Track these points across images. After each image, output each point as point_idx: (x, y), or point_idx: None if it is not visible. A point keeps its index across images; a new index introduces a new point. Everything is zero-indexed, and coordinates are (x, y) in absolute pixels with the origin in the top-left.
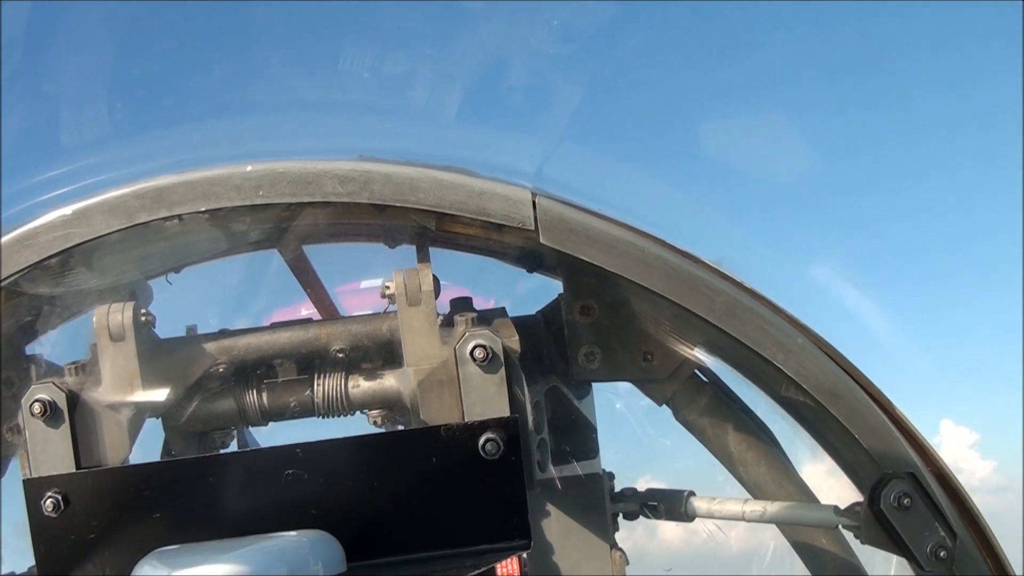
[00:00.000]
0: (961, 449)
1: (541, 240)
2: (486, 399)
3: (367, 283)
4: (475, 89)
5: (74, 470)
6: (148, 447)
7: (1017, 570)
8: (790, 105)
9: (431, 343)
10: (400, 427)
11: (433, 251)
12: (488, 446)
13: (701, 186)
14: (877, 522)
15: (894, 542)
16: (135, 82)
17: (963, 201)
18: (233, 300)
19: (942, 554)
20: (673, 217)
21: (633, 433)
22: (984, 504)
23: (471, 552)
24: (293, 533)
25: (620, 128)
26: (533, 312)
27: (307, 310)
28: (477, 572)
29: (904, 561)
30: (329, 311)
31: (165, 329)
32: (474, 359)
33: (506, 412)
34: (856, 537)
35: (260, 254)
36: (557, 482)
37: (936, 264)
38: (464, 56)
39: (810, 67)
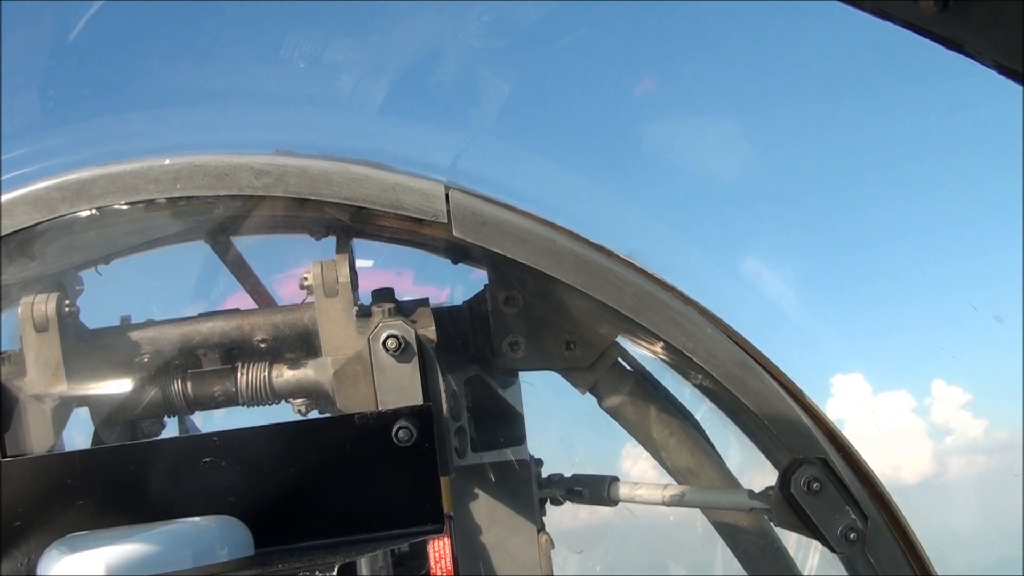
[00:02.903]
0: (953, 409)
1: (454, 233)
2: (399, 388)
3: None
4: (402, 82)
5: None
6: (85, 437)
7: (928, 549)
8: (717, 103)
9: (347, 333)
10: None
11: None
12: (401, 434)
13: (624, 183)
14: (788, 505)
15: (805, 525)
16: (62, 74)
17: (966, 179)
18: (166, 291)
19: (852, 536)
20: (591, 211)
21: (564, 420)
22: (976, 464)
23: (383, 537)
24: (200, 518)
25: (544, 124)
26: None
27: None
28: (395, 545)
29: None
30: (263, 299)
31: (100, 321)
32: (387, 349)
33: (419, 400)
34: (770, 520)
35: (189, 245)
36: (487, 468)
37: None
38: (392, 48)
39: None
